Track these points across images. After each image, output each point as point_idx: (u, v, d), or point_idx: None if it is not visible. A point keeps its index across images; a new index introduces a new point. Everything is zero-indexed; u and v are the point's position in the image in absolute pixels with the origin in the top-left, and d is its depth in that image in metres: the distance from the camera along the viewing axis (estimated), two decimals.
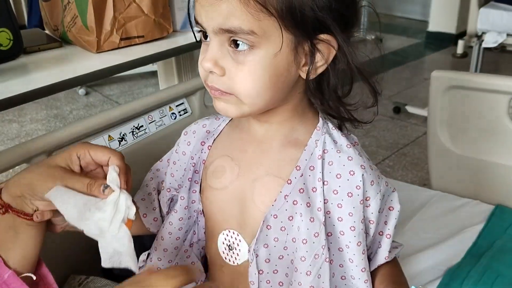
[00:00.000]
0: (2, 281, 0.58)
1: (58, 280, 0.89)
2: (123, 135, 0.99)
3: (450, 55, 3.98)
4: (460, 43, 2.58)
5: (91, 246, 0.95)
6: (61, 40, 1.14)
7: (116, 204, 0.56)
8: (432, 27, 4.29)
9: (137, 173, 0.79)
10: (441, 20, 4.18)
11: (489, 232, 1.05)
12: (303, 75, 0.59)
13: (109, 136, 0.97)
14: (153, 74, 3.33)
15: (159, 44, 1.14)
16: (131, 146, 0.99)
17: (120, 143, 0.98)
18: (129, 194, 0.57)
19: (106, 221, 0.55)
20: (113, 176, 0.57)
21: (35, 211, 0.61)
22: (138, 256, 0.78)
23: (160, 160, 0.79)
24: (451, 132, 1.17)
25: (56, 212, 0.62)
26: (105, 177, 0.59)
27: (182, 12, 1.22)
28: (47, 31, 1.23)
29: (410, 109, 3.08)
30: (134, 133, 1.01)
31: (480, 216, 1.10)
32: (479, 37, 2.36)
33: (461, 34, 3.60)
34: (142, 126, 1.02)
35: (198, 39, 0.62)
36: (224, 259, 0.69)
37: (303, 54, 0.57)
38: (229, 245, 0.68)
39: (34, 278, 0.62)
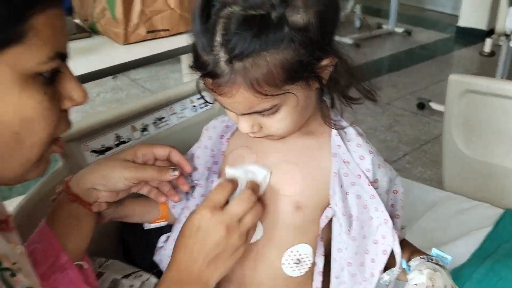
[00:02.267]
0: (59, 264, 0.65)
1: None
2: (146, 125, 1.04)
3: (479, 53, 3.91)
4: (488, 41, 2.53)
5: (110, 232, 1.02)
6: (90, 31, 1.20)
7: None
8: (463, 22, 4.21)
9: None
10: (472, 15, 4.09)
11: (496, 236, 1.07)
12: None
13: (132, 126, 1.02)
14: (179, 59, 3.38)
15: (183, 37, 1.18)
16: (153, 137, 1.04)
17: (142, 133, 1.03)
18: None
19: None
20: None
21: (94, 202, 0.72)
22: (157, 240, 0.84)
23: (185, 154, 0.84)
24: (465, 135, 1.18)
25: (109, 204, 0.74)
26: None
27: None
28: (77, 20, 1.29)
29: (434, 105, 3.06)
30: (156, 124, 1.06)
31: (489, 220, 1.12)
32: (508, 36, 2.32)
33: (492, 31, 3.53)
34: (164, 117, 1.07)
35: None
36: None
37: (314, 82, 0.62)
38: None
39: (86, 266, 0.70)
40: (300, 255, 0.71)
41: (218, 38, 0.56)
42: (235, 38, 0.55)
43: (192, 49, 0.61)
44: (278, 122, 0.63)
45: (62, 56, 0.52)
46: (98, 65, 0.98)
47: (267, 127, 0.64)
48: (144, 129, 1.04)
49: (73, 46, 1.17)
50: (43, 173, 0.57)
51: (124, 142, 1.01)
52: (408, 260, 0.70)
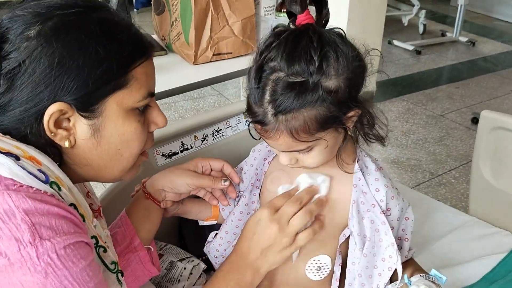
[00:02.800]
0: (133, 246, 0.86)
1: None
2: (206, 136, 1.23)
3: None
4: None
5: (170, 223, 1.22)
6: (167, 49, 1.40)
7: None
8: None
9: None
10: None
11: (508, 262, 1.17)
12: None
13: (195, 136, 1.21)
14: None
15: (244, 59, 1.37)
16: (211, 146, 1.24)
17: (202, 142, 1.23)
18: None
19: None
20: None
21: (162, 200, 0.91)
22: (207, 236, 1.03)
23: (235, 167, 1.02)
24: (493, 167, 1.28)
25: (173, 203, 0.94)
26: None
27: (267, 32, 1.43)
28: (155, 37, 1.50)
29: None
30: (214, 135, 1.25)
31: (506, 246, 1.22)
32: None
33: None
34: (221, 129, 1.25)
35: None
36: None
37: (341, 129, 0.78)
38: None
39: (153, 249, 0.90)
40: (321, 263, 0.88)
41: (268, 97, 0.72)
42: (280, 98, 0.71)
43: (246, 100, 0.78)
44: (311, 158, 0.79)
45: (152, 94, 0.71)
46: (174, 83, 1.18)
47: (302, 161, 0.81)
48: (204, 139, 1.23)
49: (154, 62, 1.37)
50: (134, 176, 0.77)
51: (187, 149, 1.21)
52: (410, 276, 0.84)
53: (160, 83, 1.19)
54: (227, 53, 1.34)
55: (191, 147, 1.21)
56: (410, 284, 0.82)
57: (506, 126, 1.22)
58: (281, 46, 0.71)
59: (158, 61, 1.37)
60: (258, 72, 0.73)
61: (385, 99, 3.64)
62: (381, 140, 0.82)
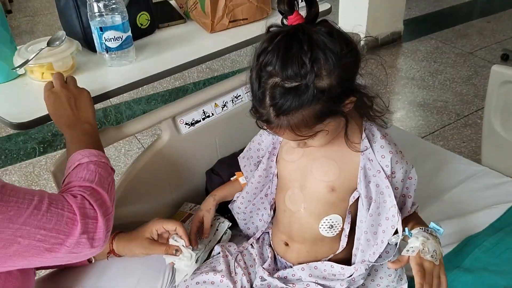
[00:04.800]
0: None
1: (176, 205, 1.30)
2: (225, 102, 1.31)
3: None
4: None
5: (198, 186, 1.33)
6: (185, 17, 1.45)
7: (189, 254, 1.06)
8: None
9: (235, 135, 1.13)
10: None
11: None
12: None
13: (215, 103, 1.30)
14: None
15: (259, 24, 1.41)
16: (231, 112, 1.32)
17: (222, 109, 1.31)
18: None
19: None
20: (180, 242, 1.05)
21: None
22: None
23: (258, 134, 1.11)
24: (503, 119, 1.32)
25: None
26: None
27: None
28: (173, 3, 1.55)
29: None
30: (234, 101, 1.32)
31: None
32: None
33: None
34: (239, 95, 1.33)
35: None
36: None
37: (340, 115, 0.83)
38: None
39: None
40: (332, 222, 0.98)
41: (268, 101, 0.78)
42: (279, 102, 0.76)
43: (251, 101, 0.83)
44: (316, 142, 0.86)
45: None
46: (192, 57, 1.23)
47: (309, 144, 0.88)
48: (224, 105, 1.32)
49: (172, 33, 1.41)
50: None
51: (208, 116, 1.29)
52: (411, 229, 0.93)
53: (180, 54, 1.26)
54: (243, 19, 1.38)
55: (212, 114, 1.29)
56: (411, 236, 0.90)
57: None
58: (275, 52, 0.76)
59: (177, 30, 1.44)
60: (258, 77, 0.79)
61: (414, 38, 3.57)
62: (381, 118, 0.88)
